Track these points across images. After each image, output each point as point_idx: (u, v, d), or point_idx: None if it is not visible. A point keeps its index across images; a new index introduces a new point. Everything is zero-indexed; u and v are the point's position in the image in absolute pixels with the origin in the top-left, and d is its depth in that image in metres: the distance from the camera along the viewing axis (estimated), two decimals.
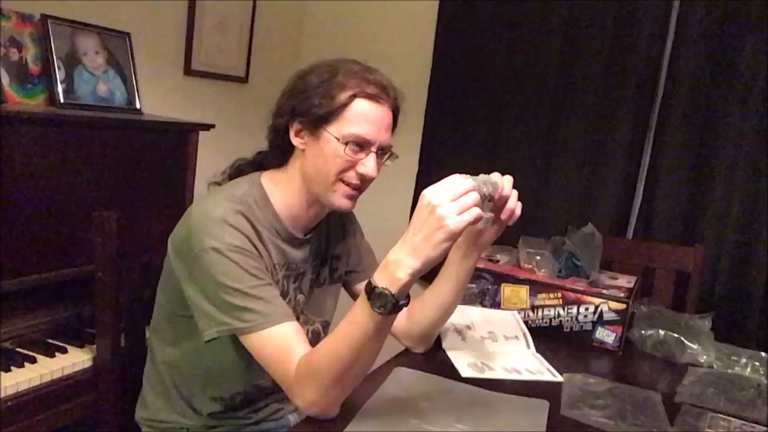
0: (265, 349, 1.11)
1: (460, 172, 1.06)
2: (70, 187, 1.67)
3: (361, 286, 1.41)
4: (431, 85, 2.76)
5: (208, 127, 2.10)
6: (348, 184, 1.20)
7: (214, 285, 1.11)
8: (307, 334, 1.31)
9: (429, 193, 1.00)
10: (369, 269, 1.43)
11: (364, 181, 1.21)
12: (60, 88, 1.83)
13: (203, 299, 1.13)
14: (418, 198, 1.02)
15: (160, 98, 2.30)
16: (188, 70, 2.46)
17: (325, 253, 1.39)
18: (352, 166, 1.19)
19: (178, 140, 2.01)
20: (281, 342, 1.10)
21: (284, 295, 1.26)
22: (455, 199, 0.99)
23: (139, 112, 2.08)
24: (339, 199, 1.22)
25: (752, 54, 2.21)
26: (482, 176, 1.16)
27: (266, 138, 1.29)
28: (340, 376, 1.05)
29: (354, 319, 1.03)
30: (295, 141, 1.23)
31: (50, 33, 1.82)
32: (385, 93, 1.20)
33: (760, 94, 2.21)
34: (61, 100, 1.83)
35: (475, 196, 1.01)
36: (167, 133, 2.00)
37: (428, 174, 2.69)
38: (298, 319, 1.28)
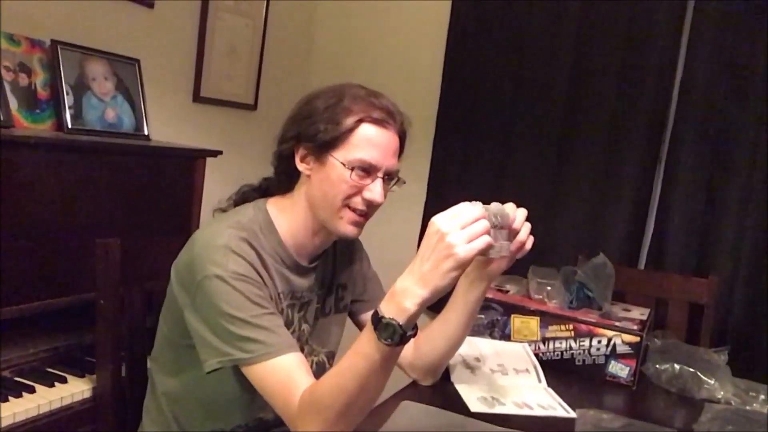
0: (267, 381, 1.08)
1: (471, 200, 1.03)
2: (74, 212, 1.65)
3: (366, 316, 1.38)
4: (440, 113, 2.75)
5: (215, 153, 2.09)
6: (354, 210, 1.19)
7: (217, 313, 1.09)
8: (311, 365, 1.28)
9: (438, 220, 0.97)
10: (375, 299, 1.40)
11: (371, 207, 1.19)
12: (68, 114, 1.82)
13: (205, 328, 1.10)
14: (425, 226, 0.99)
15: (168, 125, 2.29)
16: (197, 97, 2.47)
17: (331, 281, 1.36)
18: (358, 191, 1.17)
19: (186, 167, 2.00)
20: (285, 373, 1.07)
21: (289, 324, 1.23)
22: (465, 226, 0.96)
23: (146, 138, 2.07)
24: (345, 225, 1.19)
25: (763, 83, 2.20)
26: (495, 205, 1.14)
27: (271, 164, 1.28)
28: (344, 410, 1.01)
29: (359, 351, 1.00)
30: (301, 167, 1.21)
31: (60, 59, 1.82)
32: (391, 118, 1.19)
33: None
34: (69, 126, 1.82)
35: (485, 224, 0.98)
36: (174, 160, 1.99)
37: (436, 202, 2.67)
38: (302, 349, 1.25)
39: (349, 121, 1.16)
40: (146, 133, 2.08)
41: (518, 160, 2.60)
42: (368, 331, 0.99)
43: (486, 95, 2.65)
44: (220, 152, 2.11)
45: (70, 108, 1.83)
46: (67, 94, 1.84)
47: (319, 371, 1.25)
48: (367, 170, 1.17)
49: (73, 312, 1.61)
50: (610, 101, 2.44)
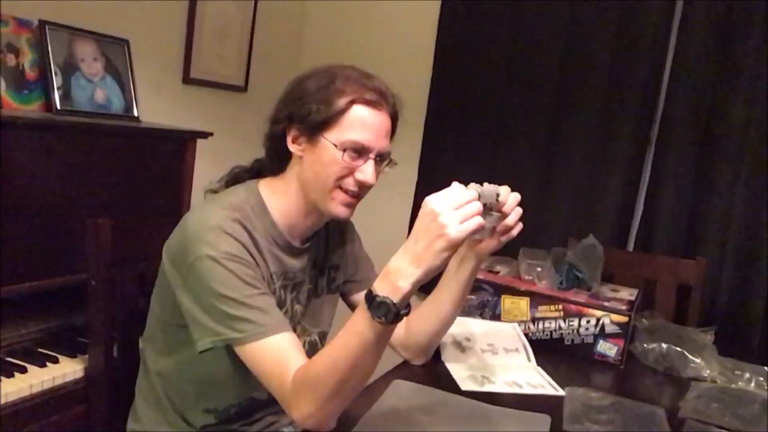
0: (260, 360, 1.09)
1: (465, 182, 1.04)
2: (65, 194, 1.64)
3: (358, 297, 1.40)
4: (431, 95, 2.75)
5: (206, 135, 2.08)
6: (346, 192, 1.19)
7: (209, 294, 1.09)
8: (303, 345, 1.29)
9: (431, 201, 0.98)
10: (367, 279, 1.41)
11: (363, 189, 1.20)
12: (57, 95, 1.81)
13: (198, 308, 1.11)
14: (417, 209, 1.00)
15: (158, 106, 2.28)
16: (187, 79, 2.45)
17: (324, 262, 1.37)
18: (350, 173, 1.17)
19: (176, 148, 1.99)
20: (277, 353, 1.08)
21: (281, 305, 1.24)
22: (458, 207, 0.97)
23: (136, 119, 2.06)
24: (337, 206, 1.20)
25: (754, 66, 2.21)
26: (488, 187, 1.14)
27: (263, 145, 1.28)
28: (338, 388, 1.02)
29: (353, 329, 1.01)
30: (293, 147, 1.21)
31: (48, 39, 1.80)
32: (383, 99, 1.19)
33: (761, 105, 2.20)
34: (58, 107, 1.80)
35: (477, 206, 0.99)
36: (165, 141, 1.98)
37: (427, 184, 2.67)
38: (294, 330, 1.25)
39: (342, 102, 1.16)
40: (136, 114, 2.06)
41: (509, 143, 2.60)
42: (362, 310, 1.00)
43: (477, 79, 2.64)
44: (211, 134, 2.10)
45: (58, 89, 1.82)
46: (56, 74, 1.82)
47: (311, 351, 1.25)
48: (359, 151, 1.17)
49: (66, 293, 1.61)
50: (600, 85, 2.44)
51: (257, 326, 1.08)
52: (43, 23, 1.80)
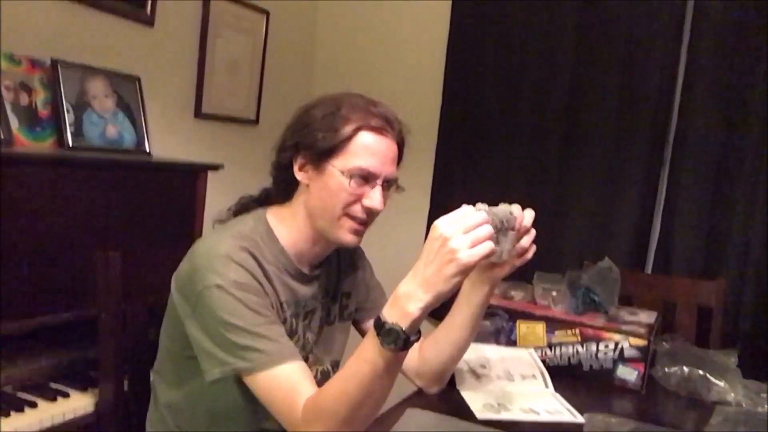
0: (270, 390, 1.07)
1: (477, 203, 1.04)
2: (77, 229, 1.65)
3: (370, 324, 1.38)
4: (441, 123, 2.75)
5: (217, 167, 2.09)
6: (354, 219, 1.18)
7: (218, 323, 1.08)
8: (316, 375, 1.28)
9: (441, 225, 0.97)
10: (378, 306, 1.38)
11: (370, 215, 1.19)
12: (69, 131, 1.83)
13: (206, 338, 1.10)
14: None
15: (170, 141, 2.30)
16: (199, 113, 2.47)
17: (335, 290, 1.36)
18: (357, 199, 1.17)
19: (187, 181, 2.00)
20: (287, 382, 1.07)
21: (293, 334, 1.23)
22: (468, 230, 0.96)
23: (148, 154, 2.08)
24: (345, 234, 1.19)
25: (766, 82, 2.18)
26: (501, 207, 1.13)
27: (270, 174, 1.28)
28: (349, 417, 1.01)
29: (363, 357, 1.00)
30: (300, 176, 1.21)
31: (60, 77, 1.84)
32: (389, 125, 1.19)
33: None
34: (70, 143, 1.83)
35: (488, 230, 0.98)
36: (176, 174, 2.00)
37: (440, 211, 2.62)
38: (306, 359, 1.24)
39: (347, 129, 1.16)
40: (147, 149, 2.08)
41: (521, 166, 2.59)
42: (371, 337, 0.98)
43: (487, 103, 2.65)
44: (222, 166, 2.11)
45: (70, 126, 1.84)
46: (68, 112, 1.84)
47: (323, 380, 1.23)
48: (366, 178, 1.17)
49: (77, 327, 1.61)
50: (612, 105, 2.44)
51: (266, 355, 1.06)
52: (55, 62, 1.84)
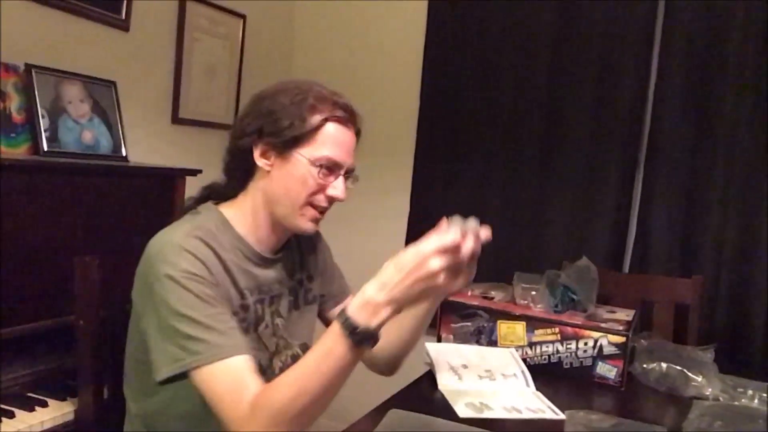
0: (214, 383, 1.04)
1: (452, 213, 1.06)
2: (53, 235, 1.63)
3: (333, 312, 1.42)
4: (420, 125, 2.75)
5: (195, 172, 2.08)
6: (315, 207, 1.20)
7: (168, 313, 1.06)
8: (286, 360, 1.28)
9: (426, 244, 0.99)
10: (341, 294, 1.44)
11: (331, 204, 1.21)
12: (44, 137, 1.81)
13: (157, 333, 1.08)
14: (410, 239, 1.00)
15: (147, 146, 2.28)
16: (176, 119, 2.46)
17: (300, 272, 1.36)
18: (321, 189, 1.19)
19: (165, 186, 1.99)
20: (232, 376, 1.04)
21: (260, 320, 1.23)
22: (447, 252, 0.99)
23: (125, 159, 2.06)
24: (305, 222, 1.21)
25: (739, 79, 2.23)
26: (471, 221, 1.13)
27: (223, 159, 1.26)
28: (302, 413, 1.00)
29: (329, 353, 1.00)
30: (260, 162, 1.20)
31: (35, 82, 1.81)
32: (352, 116, 1.22)
33: (749, 120, 2.22)
34: (45, 149, 1.80)
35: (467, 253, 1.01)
36: (153, 179, 1.98)
37: (420, 214, 2.65)
38: (276, 344, 1.25)
39: (316, 118, 1.17)
40: (124, 154, 2.06)
41: (501, 170, 2.60)
42: (337, 335, 0.99)
43: (465, 105, 2.66)
44: (200, 171, 2.09)
45: (45, 131, 1.82)
46: (43, 117, 1.82)
47: (293, 364, 1.23)
48: (331, 168, 1.18)
49: (55, 335, 1.58)
50: (587, 105, 2.47)
51: (212, 347, 1.05)
52: (29, 67, 1.81)
